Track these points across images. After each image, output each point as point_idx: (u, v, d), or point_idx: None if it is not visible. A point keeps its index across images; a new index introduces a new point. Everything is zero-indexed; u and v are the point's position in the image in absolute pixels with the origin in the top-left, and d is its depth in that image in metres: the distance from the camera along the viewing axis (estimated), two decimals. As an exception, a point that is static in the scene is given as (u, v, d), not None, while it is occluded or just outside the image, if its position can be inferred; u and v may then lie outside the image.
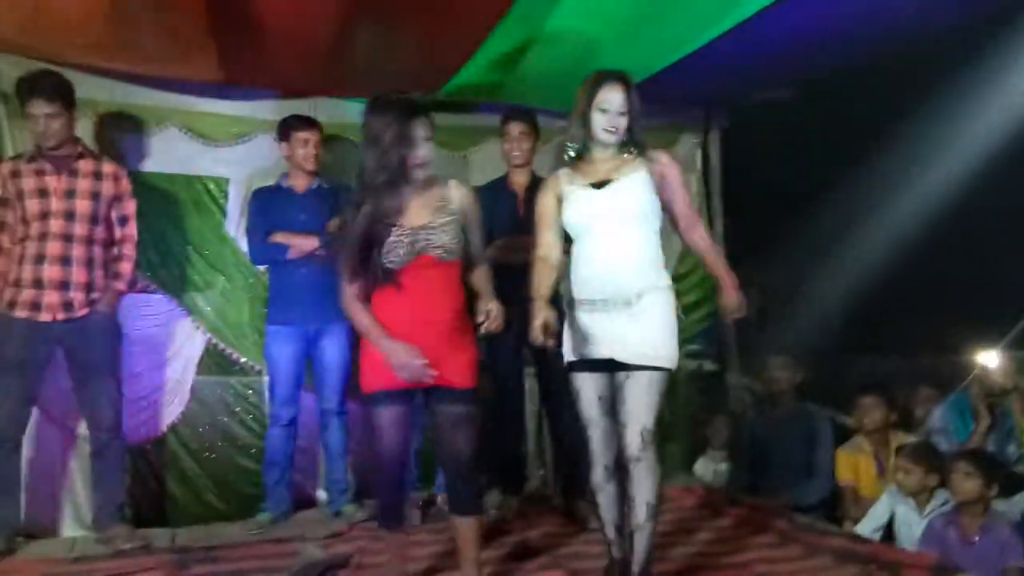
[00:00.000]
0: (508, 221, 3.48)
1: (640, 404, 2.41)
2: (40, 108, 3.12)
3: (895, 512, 3.24)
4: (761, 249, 4.89)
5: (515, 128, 3.55)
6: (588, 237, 2.52)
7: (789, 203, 4.89)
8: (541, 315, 2.37)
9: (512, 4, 3.05)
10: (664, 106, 4.51)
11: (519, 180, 3.59)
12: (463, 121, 4.24)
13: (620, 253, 2.46)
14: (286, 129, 3.55)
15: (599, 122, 2.50)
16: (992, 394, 3.43)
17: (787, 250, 4.96)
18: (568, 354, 2.59)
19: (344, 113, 4.08)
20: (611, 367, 2.48)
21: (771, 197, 4.86)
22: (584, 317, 2.52)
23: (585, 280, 2.52)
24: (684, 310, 4.53)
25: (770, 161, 4.79)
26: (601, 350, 2.48)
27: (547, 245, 2.58)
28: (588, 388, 2.57)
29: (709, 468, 4.25)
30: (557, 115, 4.24)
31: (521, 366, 3.63)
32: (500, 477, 3.63)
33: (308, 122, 3.58)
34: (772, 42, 3.38)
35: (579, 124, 2.54)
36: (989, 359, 3.35)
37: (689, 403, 4.67)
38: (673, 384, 4.57)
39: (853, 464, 3.62)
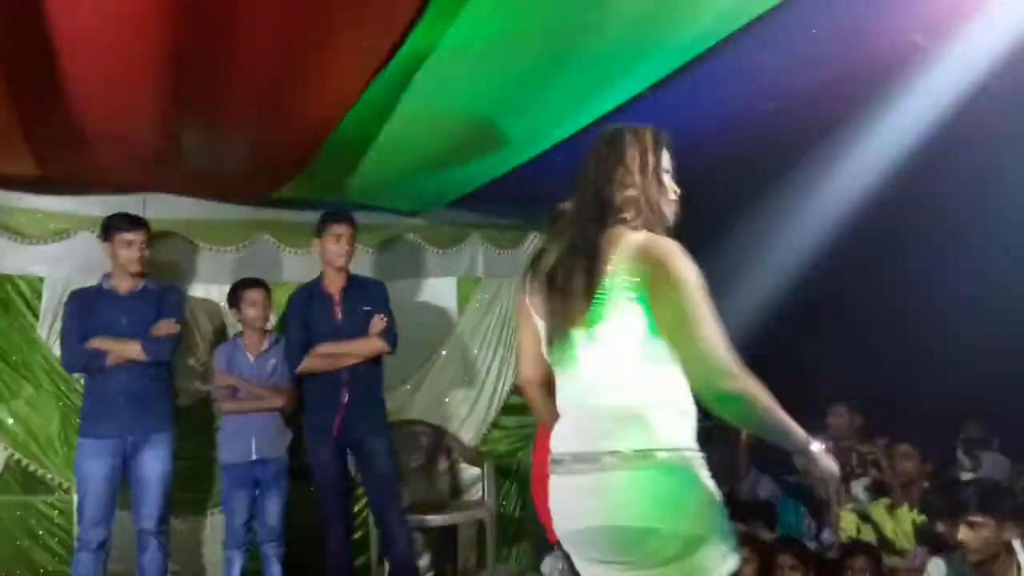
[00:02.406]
0: (326, 325, 3.42)
1: None
2: None
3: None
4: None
5: (340, 228, 3.51)
6: None
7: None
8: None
9: (350, 108, 3.07)
10: (509, 206, 4.67)
11: (336, 282, 3.53)
12: (295, 218, 4.16)
13: None
14: (109, 229, 3.38)
15: None
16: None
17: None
18: None
19: (177, 209, 3.93)
20: None
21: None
22: None
23: None
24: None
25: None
26: None
27: None
28: None
29: (556, 567, 4.21)
30: (394, 214, 4.33)
31: (345, 469, 3.51)
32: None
33: (134, 222, 3.41)
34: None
35: None
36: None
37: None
38: (523, 480, 4.65)
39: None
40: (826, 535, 3.55)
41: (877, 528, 3.59)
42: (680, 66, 2.77)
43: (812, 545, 3.53)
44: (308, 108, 3.00)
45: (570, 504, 1.70)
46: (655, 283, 1.63)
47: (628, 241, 1.70)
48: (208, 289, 3.96)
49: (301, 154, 3.46)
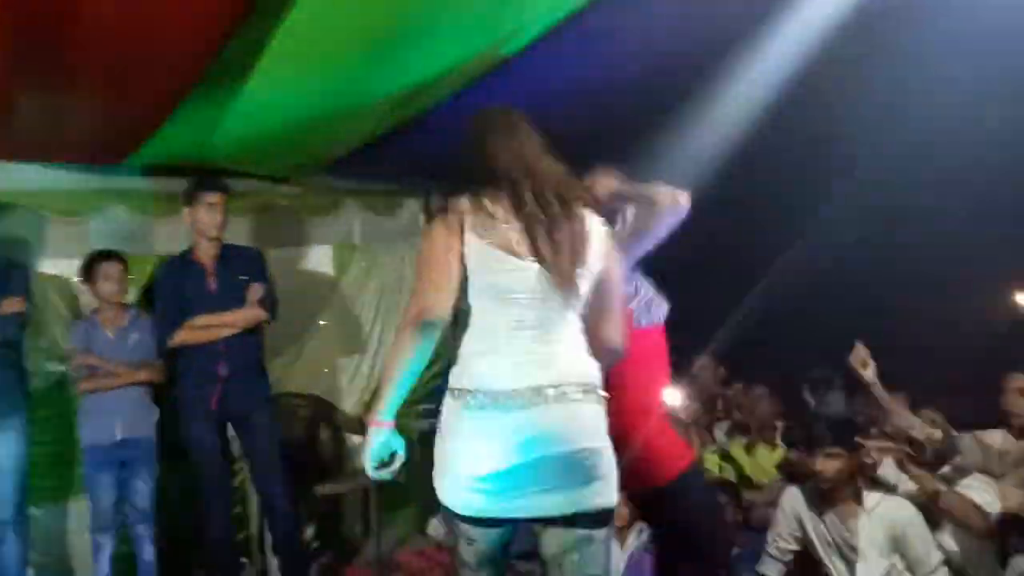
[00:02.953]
0: (200, 297, 3.32)
1: None
2: None
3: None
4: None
5: (211, 197, 3.38)
6: None
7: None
8: None
9: (202, 73, 2.93)
10: (384, 172, 4.61)
11: (209, 252, 3.41)
12: (153, 186, 3.95)
13: None
14: None
15: None
16: None
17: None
18: None
19: (21, 178, 3.64)
20: None
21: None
22: None
23: None
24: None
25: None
26: None
27: None
28: None
29: (442, 528, 4.28)
30: (264, 180, 4.18)
31: (224, 443, 3.42)
32: (210, 566, 3.38)
33: None
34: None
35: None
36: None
37: (422, 463, 4.69)
38: (407, 445, 4.66)
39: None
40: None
41: (737, 466, 3.85)
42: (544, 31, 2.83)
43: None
44: (159, 67, 2.84)
45: (532, 435, 1.78)
46: None
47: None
48: (57, 264, 3.71)
49: (154, 116, 3.28)
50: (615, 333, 1.92)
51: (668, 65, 3.12)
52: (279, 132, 3.53)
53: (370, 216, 4.66)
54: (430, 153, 4.35)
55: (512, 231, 1.81)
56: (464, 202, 1.84)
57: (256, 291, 3.36)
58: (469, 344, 1.87)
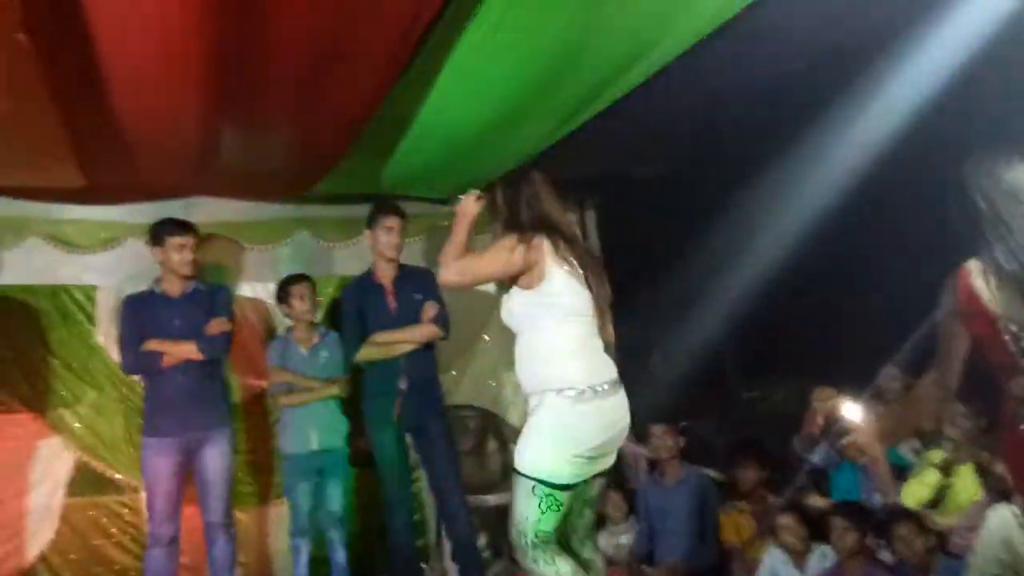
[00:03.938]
0: (381, 315, 3.49)
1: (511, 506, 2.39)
2: None
3: (777, 572, 3.34)
4: (641, 316, 5.09)
5: (391, 220, 3.56)
6: None
7: (661, 271, 5.12)
8: None
9: (382, 101, 3.12)
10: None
11: (388, 273, 3.58)
12: (333, 213, 4.25)
13: (516, 358, 2.46)
14: (160, 234, 3.44)
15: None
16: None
17: (663, 314, 5.18)
18: None
19: (220, 211, 4.02)
20: None
21: (645, 267, 5.09)
22: None
23: None
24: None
25: (643, 232, 5.04)
26: None
27: None
28: None
29: (611, 542, 4.26)
30: (433, 203, 4.37)
31: (405, 453, 3.57)
32: (393, 569, 3.53)
33: (183, 226, 3.48)
34: (640, 121, 3.58)
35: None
36: (852, 413, 3.56)
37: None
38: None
39: (735, 524, 3.72)
40: (876, 497, 3.55)
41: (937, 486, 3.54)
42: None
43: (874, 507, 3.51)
44: (342, 103, 3.06)
45: (613, 416, 2.35)
46: None
47: None
48: (254, 287, 4.06)
49: (336, 150, 3.53)
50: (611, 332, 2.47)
51: (833, 59, 3.03)
52: (447, 155, 3.69)
53: (528, 232, 4.76)
54: (584, 167, 4.46)
55: (575, 267, 2.39)
56: (543, 238, 2.37)
57: (431, 309, 3.51)
58: (553, 350, 2.35)
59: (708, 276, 5.11)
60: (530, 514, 2.27)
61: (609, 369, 2.37)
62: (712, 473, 4.06)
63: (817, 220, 4.45)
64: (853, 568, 3.07)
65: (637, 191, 4.90)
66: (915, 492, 3.33)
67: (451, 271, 2.46)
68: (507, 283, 2.46)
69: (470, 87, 3.10)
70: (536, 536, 2.28)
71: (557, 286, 2.35)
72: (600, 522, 4.39)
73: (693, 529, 3.83)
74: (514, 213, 2.48)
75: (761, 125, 3.86)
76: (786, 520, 3.33)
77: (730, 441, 4.41)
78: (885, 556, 3.20)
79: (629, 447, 4.66)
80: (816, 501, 3.64)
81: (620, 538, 4.28)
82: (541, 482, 2.25)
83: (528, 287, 2.37)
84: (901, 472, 3.51)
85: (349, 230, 4.22)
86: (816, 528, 3.29)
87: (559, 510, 2.28)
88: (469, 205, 2.60)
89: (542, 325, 2.37)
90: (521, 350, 2.41)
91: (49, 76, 2.53)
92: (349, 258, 4.21)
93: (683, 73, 3.06)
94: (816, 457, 3.83)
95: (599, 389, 2.30)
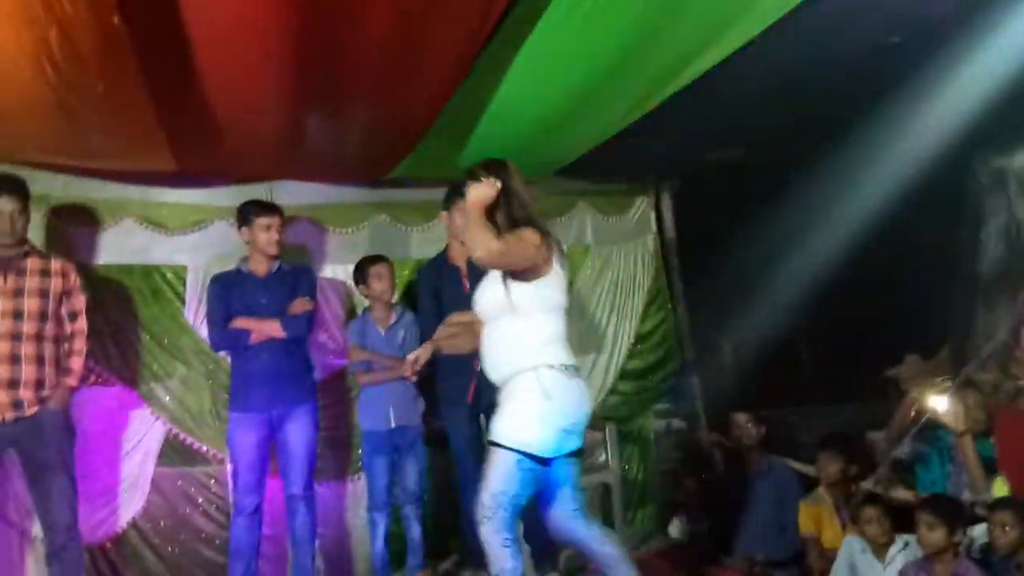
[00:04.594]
0: (456, 296, 3.51)
1: (485, 478, 2.52)
2: (7, 205, 3.12)
3: (855, 562, 3.25)
4: (718, 306, 5.00)
5: (463, 203, 3.57)
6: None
7: (741, 258, 5.01)
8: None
9: (460, 84, 3.14)
10: (616, 172, 4.66)
11: (463, 255, 3.58)
12: (410, 196, 4.30)
13: (489, 345, 2.68)
14: (247, 215, 3.55)
15: None
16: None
17: (743, 303, 5.07)
18: None
19: (303, 194, 4.12)
20: None
21: (724, 253, 4.99)
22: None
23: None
24: (649, 369, 4.70)
25: (721, 218, 4.94)
26: None
27: None
28: None
29: (685, 529, 4.23)
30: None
31: (479, 433, 3.59)
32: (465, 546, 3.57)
33: (269, 208, 3.59)
34: (718, 104, 3.52)
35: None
36: (939, 403, 3.41)
37: (661, 462, 4.67)
38: (645, 444, 4.68)
39: (815, 516, 3.63)
40: (966, 493, 3.40)
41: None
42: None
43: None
44: (421, 87, 3.09)
45: (585, 396, 2.65)
46: None
47: None
48: (334, 269, 4.16)
49: (413, 134, 3.57)
50: None
51: (894, 48, 2.92)
52: (524, 136, 3.69)
53: (600, 216, 4.74)
54: (655, 152, 4.40)
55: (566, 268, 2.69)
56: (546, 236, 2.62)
57: None
58: (545, 334, 2.59)
59: (784, 262, 4.98)
60: (509, 487, 2.46)
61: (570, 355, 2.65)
62: (795, 465, 3.97)
63: (898, 203, 4.29)
64: (941, 564, 2.95)
65: (714, 176, 4.81)
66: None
67: (493, 252, 2.55)
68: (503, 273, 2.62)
69: (547, 69, 3.08)
70: (506, 511, 2.45)
71: (554, 283, 2.61)
72: (675, 509, 4.37)
73: (772, 520, 3.76)
74: (509, 207, 2.65)
75: (845, 104, 3.74)
76: (870, 512, 3.23)
77: (811, 432, 4.29)
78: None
79: (709, 435, 4.60)
80: (901, 494, 3.52)
81: (694, 526, 4.24)
82: (525, 455, 2.45)
83: (528, 280, 2.57)
84: (991, 465, 3.37)
85: (426, 214, 4.26)
86: (900, 521, 3.19)
87: (535, 487, 2.53)
88: (486, 190, 2.67)
89: (533, 315, 2.58)
90: (506, 336, 2.60)
91: (142, 61, 2.63)
92: (425, 241, 4.26)
93: (764, 52, 2.99)
94: (905, 449, 3.70)
95: (578, 368, 2.62)
